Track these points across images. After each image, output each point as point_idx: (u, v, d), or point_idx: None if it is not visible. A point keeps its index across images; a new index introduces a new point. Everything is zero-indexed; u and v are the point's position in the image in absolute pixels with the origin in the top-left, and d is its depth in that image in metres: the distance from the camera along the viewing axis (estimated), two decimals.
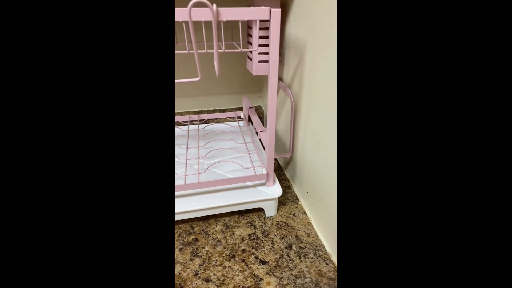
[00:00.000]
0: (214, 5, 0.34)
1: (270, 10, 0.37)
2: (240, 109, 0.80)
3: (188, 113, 0.78)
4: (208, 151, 0.61)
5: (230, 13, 0.36)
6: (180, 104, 0.77)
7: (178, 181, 0.51)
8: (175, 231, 0.48)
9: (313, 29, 0.42)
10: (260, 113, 0.82)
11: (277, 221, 0.50)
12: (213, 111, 0.79)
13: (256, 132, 0.61)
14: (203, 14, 0.34)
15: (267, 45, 0.52)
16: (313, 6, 0.41)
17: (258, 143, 0.63)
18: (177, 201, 0.48)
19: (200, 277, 0.40)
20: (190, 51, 0.39)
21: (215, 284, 0.39)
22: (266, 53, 0.53)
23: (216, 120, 0.77)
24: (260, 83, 0.81)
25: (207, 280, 0.40)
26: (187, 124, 0.71)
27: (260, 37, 0.51)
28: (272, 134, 0.46)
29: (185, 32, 0.38)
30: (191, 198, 0.49)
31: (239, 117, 0.75)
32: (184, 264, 0.42)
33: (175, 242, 0.46)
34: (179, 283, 0.40)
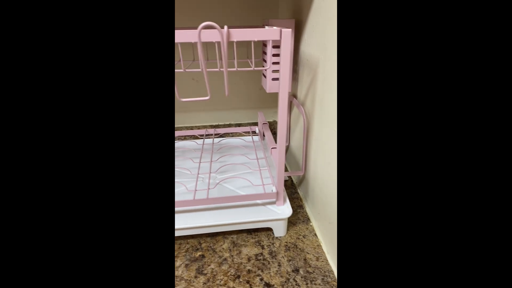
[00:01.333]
0: (225, 27, 0.35)
1: (281, 31, 0.37)
2: (256, 124, 0.81)
3: (205, 126, 0.79)
4: (221, 165, 0.61)
5: (241, 34, 0.36)
6: (197, 118, 0.79)
7: (187, 196, 0.52)
8: (183, 246, 0.48)
9: (325, 48, 0.41)
10: (276, 128, 0.81)
11: (286, 242, 0.49)
12: (230, 125, 0.80)
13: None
14: (214, 35, 0.35)
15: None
16: (326, 25, 0.40)
17: (271, 159, 0.62)
18: (186, 216, 0.49)
19: None
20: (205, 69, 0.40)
21: None
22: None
23: (231, 134, 0.78)
24: (276, 98, 0.81)
25: None
26: (202, 138, 0.72)
27: (274, 55, 0.51)
28: (282, 153, 0.46)
29: (199, 50, 0.39)
30: (200, 214, 0.49)
31: (254, 132, 0.76)
32: (188, 282, 0.42)
33: (182, 257, 0.46)
34: None
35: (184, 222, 0.47)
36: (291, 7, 0.58)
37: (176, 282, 0.42)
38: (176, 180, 0.58)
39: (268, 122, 0.73)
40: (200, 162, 0.61)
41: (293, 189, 0.64)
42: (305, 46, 0.51)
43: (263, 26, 0.52)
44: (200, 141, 0.72)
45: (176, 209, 0.50)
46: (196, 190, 0.51)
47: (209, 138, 0.73)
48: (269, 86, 0.54)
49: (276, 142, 0.52)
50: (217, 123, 0.80)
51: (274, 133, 0.77)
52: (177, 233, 0.48)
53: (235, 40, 0.37)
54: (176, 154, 0.68)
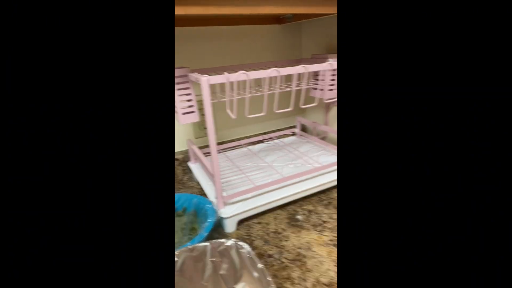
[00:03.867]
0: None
1: None
2: (292, 127, 1.09)
3: (256, 135, 1.03)
4: (299, 154, 0.87)
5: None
6: (252, 129, 1.02)
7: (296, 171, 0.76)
8: (313, 200, 0.72)
9: None
10: (305, 127, 1.12)
11: None
12: (274, 131, 1.06)
13: (322, 138, 0.91)
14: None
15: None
16: None
17: (324, 144, 0.92)
18: (309, 182, 0.72)
19: None
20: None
21: None
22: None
23: (279, 137, 1.04)
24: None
25: None
26: (268, 140, 0.96)
27: (333, 74, 0.83)
28: None
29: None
30: (314, 179, 0.74)
31: (293, 133, 1.04)
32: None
33: (319, 205, 0.70)
34: None
35: (311, 184, 0.71)
36: (324, 48, 0.93)
37: (331, 219, 0.66)
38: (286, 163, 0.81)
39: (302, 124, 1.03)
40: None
41: None
42: None
43: (314, 59, 0.84)
44: (271, 142, 0.96)
45: (300, 178, 0.73)
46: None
47: (272, 140, 0.98)
48: (328, 94, 0.85)
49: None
50: (264, 131, 1.05)
51: (303, 130, 1.07)
52: (306, 193, 0.71)
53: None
54: (266, 151, 0.89)
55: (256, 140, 0.97)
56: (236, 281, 0.37)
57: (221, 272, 0.39)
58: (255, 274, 0.39)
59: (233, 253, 0.43)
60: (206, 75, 0.52)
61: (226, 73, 0.52)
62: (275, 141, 0.98)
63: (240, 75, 0.51)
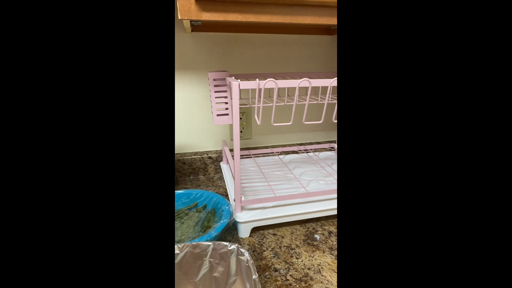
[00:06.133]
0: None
1: None
2: (329, 142, 1.05)
3: (292, 145, 1.01)
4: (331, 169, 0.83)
5: None
6: (284, 138, 1.01)
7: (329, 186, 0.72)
8: (327, 221, 0.67)
9: None
10: None
11: None
12: (311, 143, 1.03)
13: None
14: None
15: None
16: None
17: None
18: (321, 203, 0.68)
19: None
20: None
21: None
22: None
23: (315, 150, 1.00)
24: None
25: None
26: (303, 152, 0.94)
27: None
28: None
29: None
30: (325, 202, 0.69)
31: (332, 148, 0.99)
32: None
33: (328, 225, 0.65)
34: None
35: (336, 204, 0.67)
36: None
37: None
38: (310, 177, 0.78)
39: None
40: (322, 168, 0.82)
41: None
42: None
43: None
44: (305, 154, 0.93)
45: (325, 196, 0.69)
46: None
47: (307, 153, 0.95)
48: None
49: None
50: (301, 142, 1.02)
51: None
52: (329, 213, 0.67)
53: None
54: (298, 162, 0.88)
55: (291, 150, 0.95)
56: (228, 287, 0.37)
57: (215, 274, 0.39)
58: (247, 285, 0.38)
59: (233, 258, 0.43)
60: (239, 80, 0.53)
61: (257, 79, 0.52)
62: (310, 154, 0.95)
63: (268, 82, 0.51)
